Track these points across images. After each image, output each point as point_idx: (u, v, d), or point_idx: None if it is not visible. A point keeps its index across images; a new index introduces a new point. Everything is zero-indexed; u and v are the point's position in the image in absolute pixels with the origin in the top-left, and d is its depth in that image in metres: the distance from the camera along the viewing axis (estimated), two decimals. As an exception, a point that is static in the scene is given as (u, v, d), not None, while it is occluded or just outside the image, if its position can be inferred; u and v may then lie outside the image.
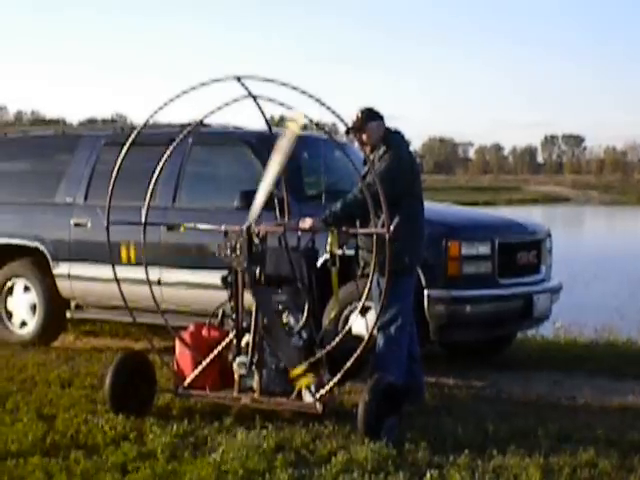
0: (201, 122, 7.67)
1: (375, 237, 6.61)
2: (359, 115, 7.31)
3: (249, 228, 6.66)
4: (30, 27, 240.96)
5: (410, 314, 7.36)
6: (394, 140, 7.33)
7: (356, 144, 7.60)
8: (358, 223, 7.04)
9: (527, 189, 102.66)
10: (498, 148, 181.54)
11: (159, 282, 9.06)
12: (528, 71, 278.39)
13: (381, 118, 7.38)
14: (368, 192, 6.63)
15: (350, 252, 7.40)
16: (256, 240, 6.69)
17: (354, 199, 7.03)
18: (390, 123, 7.43)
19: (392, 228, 6.35)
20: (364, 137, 7.29)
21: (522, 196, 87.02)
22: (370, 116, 7.32)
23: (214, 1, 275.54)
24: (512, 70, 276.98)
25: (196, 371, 6.99)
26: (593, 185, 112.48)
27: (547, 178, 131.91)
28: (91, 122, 62.96)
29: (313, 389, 6.60)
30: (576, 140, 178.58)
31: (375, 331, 6.90)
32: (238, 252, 6.68)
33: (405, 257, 7.11)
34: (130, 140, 7.09)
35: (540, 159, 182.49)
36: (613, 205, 79.65)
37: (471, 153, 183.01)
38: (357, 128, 7.28)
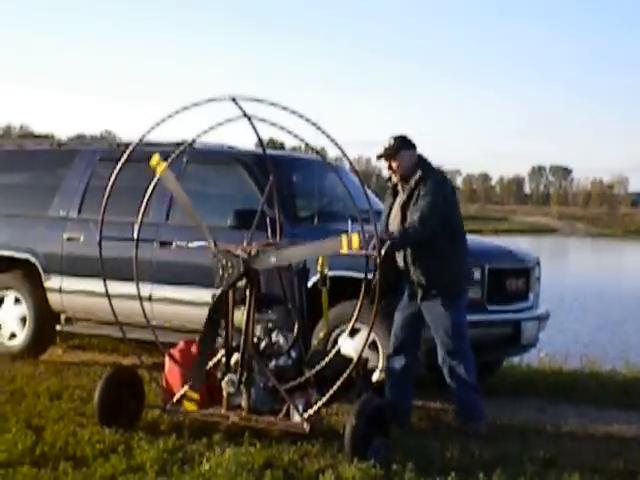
0: (194, 141, 7.74)
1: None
2: (391, 142, 7.32)
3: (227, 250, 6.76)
4: (19, 42, 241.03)
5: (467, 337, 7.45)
6: (434, 173, 7.38)
7: (347, 164, 7.65)
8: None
9: (514, 219, 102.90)
10: (485, 177, 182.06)
11: (150, 298, 9.08)
12: (519, 101, 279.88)
13: (414, 147, 7.39)
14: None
15: (349, 274, 7.55)
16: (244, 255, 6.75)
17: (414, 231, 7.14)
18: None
19: (382, 252, 6.48)
20: (394, 165, 7.33)
21: (509, 226, 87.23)
22: (403, 144, 7.34)
23: (203, 19, 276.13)
24: (502, 99, 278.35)
25: (185, 388, 7.01)
26: (579, 217, 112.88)
27: (534, 209, 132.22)
28: (80, 138, 62.85)
29: (301, 409, 6.65)
30: (563, 172, 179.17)
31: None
32: (229, 271, 6.75)
33: (461, 279, 7.36)
34: (125, 156, 7.14)
35: (527, 189, 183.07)
36: (599, 237, 79.89)
37: (459, 181, 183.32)
38: (389, 155, 7.32)
